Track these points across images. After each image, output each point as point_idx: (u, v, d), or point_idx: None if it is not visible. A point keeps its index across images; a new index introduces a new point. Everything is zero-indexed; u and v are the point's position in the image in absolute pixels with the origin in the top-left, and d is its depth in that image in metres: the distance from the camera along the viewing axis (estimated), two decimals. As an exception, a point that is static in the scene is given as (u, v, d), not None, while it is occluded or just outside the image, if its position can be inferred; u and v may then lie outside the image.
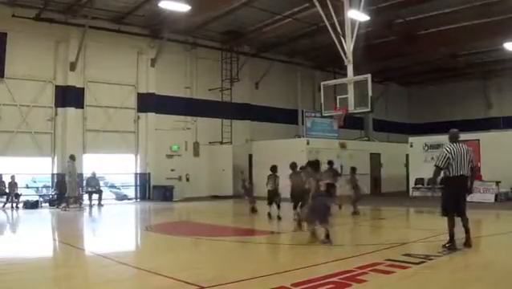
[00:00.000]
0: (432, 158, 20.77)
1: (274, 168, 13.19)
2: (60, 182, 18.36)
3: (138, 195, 21.86)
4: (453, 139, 7.80)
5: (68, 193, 17.20)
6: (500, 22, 19.60)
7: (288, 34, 22.64)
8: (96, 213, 16.52)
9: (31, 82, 19.08)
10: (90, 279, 6.43)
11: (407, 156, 23.29)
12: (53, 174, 19.65)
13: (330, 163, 13.46)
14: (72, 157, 17.33)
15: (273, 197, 12.91)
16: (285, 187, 12.22)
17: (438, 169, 7.65)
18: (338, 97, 15.13)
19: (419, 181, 21.46)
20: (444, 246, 7.52)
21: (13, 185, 17.52)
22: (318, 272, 6.17)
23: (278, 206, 12.76)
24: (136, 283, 6.21)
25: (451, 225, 7.55)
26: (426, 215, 15.15)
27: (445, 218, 7.67)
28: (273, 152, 21.90)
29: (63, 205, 16.82)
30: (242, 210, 15.72)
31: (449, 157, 7.54)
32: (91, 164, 19.96)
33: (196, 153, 23.31)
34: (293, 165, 11.99)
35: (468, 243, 7.52)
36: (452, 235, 7.54)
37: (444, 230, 9.77)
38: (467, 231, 7.57)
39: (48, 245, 9.93)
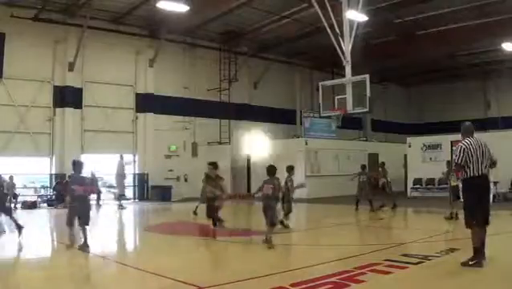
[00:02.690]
0: (431, 158, 20.91)
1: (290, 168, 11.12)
2: (59, 183, 18.38)
3: (136, 195, 21.84)
4: (468, 133, 6.68)
5: (120, 190, 18.15)
6: (499, 22, 19.62)
7: (287, 34, 22.61)
8: (95, 214, 16.47)
9: (30, 82, 19.04)
10: (89, 280, 6.42)
11: (405, 156, 23.29)
12: (51, 174, 19.62)
13: (383, 164, 15.80)
14: (122, 156, 18.26)
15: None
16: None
17: (459, 167, 6.53)
18: (336, 97, 15.15)
19: (417, 181, 21.47)
20: (465, 263, 6.32)
21: (11, 185, 17.47)
22: (317, 272, 6.15)
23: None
24: (136, 283, 6.20)
25: (477, 238, 6.33)
26: (424, 215, 15.17)
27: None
28: (271, 152, 21.94)
29: (119, 203, 17.60)
30: (241, 210, 15.69)
31: (467, 152, 6.40)
32: (89, 164, 19.88)
33: (194, 153, 23.24)
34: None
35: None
36: (477, 249, 6.31)
37: (443, 230, 9.70)
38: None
39: (47, 245, 9.91)
